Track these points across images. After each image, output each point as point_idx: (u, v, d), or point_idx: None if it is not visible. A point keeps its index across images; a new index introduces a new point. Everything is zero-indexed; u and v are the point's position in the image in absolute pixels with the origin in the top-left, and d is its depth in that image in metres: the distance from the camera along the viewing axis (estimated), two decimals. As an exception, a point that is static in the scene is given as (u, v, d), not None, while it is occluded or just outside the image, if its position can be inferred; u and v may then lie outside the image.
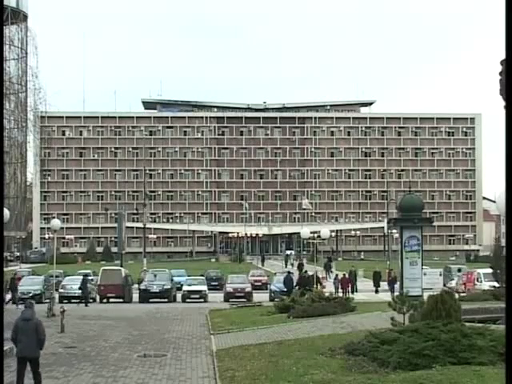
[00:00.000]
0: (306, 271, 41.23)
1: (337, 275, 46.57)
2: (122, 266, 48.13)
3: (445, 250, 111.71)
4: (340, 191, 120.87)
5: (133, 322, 27.31)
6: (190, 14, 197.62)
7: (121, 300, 39.18)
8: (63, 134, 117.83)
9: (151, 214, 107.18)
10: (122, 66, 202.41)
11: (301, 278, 37.95)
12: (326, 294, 30.90)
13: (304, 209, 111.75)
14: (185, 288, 40.82)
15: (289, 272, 41.79)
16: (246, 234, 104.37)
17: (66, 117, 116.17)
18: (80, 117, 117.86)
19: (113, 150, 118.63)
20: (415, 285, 24.75)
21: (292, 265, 78.48)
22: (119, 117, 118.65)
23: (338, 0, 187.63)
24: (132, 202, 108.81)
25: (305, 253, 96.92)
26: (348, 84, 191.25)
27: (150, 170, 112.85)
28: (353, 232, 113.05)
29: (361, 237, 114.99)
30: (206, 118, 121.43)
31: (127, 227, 69.61)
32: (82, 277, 40.44)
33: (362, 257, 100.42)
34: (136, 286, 43.00)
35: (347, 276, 44.57)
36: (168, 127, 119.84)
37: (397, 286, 38.97)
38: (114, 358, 17.91)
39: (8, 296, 36.59)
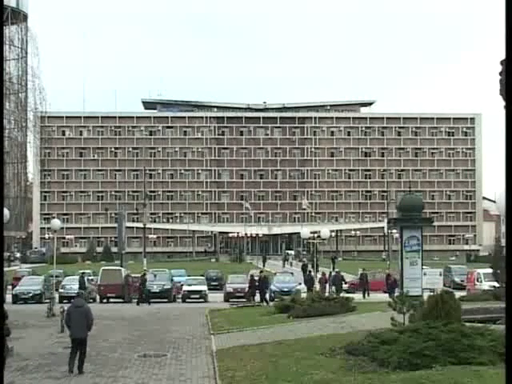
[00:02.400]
0: (261, 271, 40.49)
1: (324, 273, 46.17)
2: (122, 266, 48.06)
3: (445, 250, 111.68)
4: (340, 191, 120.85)
5: (133, 322, 27.30)
6: (190, 14, 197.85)
7: (121, 300, 39.14)
8: (63, 134, 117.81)
9: (151, 213, 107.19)
10: (122, 66, 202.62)
11: (259, 280, 37.13)
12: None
13: (304, 209, 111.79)
14: (185, 288, 40.74)
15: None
16: (246, 234, 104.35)
17: (66, 117, 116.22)
18: (80, 117, 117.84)
19: (113, 149, 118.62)
20: (415, 285, 24.74)
21: (291, 264, 78.50)
22: (119, 117, 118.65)
23: (338, 0, 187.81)
24: (132, 202, 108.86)
25: (305, 253, 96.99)
26: (348, 84, 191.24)
27: (150, 170, 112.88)
28: (353, 232, 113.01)
29: (361, 237, 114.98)
30: (206, 117, 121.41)
31: (127, 227, 69.53)
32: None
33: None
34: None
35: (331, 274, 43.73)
36: (168, 127, 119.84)
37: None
38: (114, 358, 17.91)
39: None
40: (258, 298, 36.61)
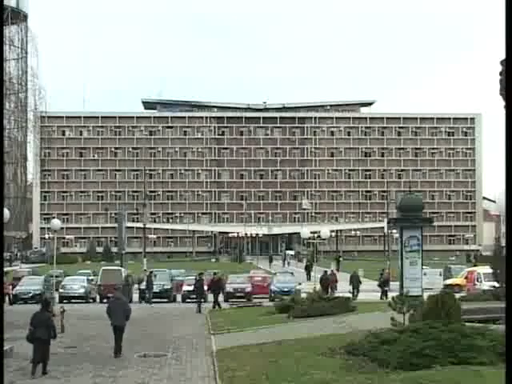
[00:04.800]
0: (215, 273, 39.63)
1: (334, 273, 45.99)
2: (122, 266, 48.04)
3: (445, 250, 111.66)
4: (340, 191, 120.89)
5: (133, 322, 27.22)
6: (191, 14, 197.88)
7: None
8: (63, 134, 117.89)
9: (151, 214, 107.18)
10: (122, 66, 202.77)
11: (212, 281, 36.10)
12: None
13: (304, 209, 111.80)
14: (185, 288, 40.66)
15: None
16: (245, 234, 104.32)
17: (66, 117, 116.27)
18: (80, 117, 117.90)
19: (113, 150, 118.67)
20: (415, 285, 24.72)
21: (288, 264, 78.49)
22: (119, 117, 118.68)
23: (337, 0, 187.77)
24: (132, 202, 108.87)
25: (305, 253, 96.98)
26: (348, 84, 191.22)
27: (150, 170, 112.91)
28: (353, 232, 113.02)
29: (361, 237, 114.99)
30: (206, 118, 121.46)
31: (127, 227, 69.42)
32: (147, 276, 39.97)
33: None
34: (136, 286, 42.85)
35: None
36: (168, 127, 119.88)
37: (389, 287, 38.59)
38: (114, 357, 17.91)
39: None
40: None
